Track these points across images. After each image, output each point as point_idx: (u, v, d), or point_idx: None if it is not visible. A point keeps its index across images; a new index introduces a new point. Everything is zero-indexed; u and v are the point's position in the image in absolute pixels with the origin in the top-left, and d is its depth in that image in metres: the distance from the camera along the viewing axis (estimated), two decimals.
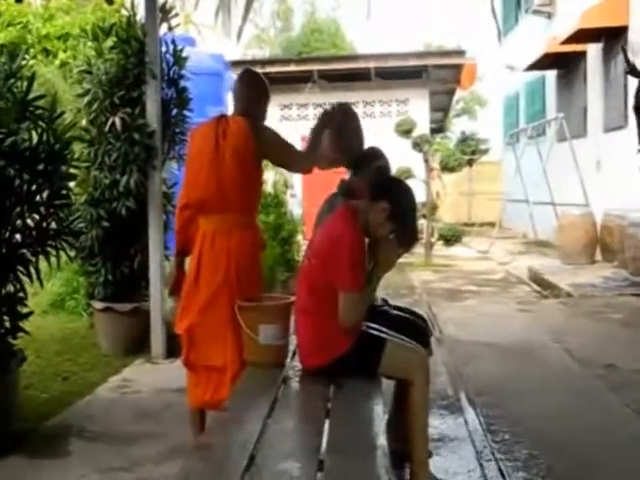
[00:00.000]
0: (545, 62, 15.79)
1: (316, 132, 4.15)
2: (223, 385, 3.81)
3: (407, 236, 3.59)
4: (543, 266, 11.69)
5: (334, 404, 3.14)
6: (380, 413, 3.08)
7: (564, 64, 15.64)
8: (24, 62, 5.10)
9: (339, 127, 4.16)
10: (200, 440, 3.47)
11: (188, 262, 4.11)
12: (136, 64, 6.44)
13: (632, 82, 9.81)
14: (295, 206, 11.52)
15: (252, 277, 3.97)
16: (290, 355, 3.75)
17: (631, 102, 8.75)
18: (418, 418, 3.49)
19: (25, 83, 4.65)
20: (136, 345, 6.41)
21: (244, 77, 4.27)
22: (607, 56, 13.32)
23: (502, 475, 3.89)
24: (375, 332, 3.54)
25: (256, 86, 4.23)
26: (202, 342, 3.92)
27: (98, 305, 6.56)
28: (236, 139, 3.88)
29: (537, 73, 17.63)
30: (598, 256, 12.01)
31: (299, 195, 15.37)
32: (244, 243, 3.94)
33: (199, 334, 3.93)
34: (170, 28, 7.10)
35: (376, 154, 4.50)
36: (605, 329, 7.47)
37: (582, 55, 14.59)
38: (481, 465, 4.03)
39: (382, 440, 2.72)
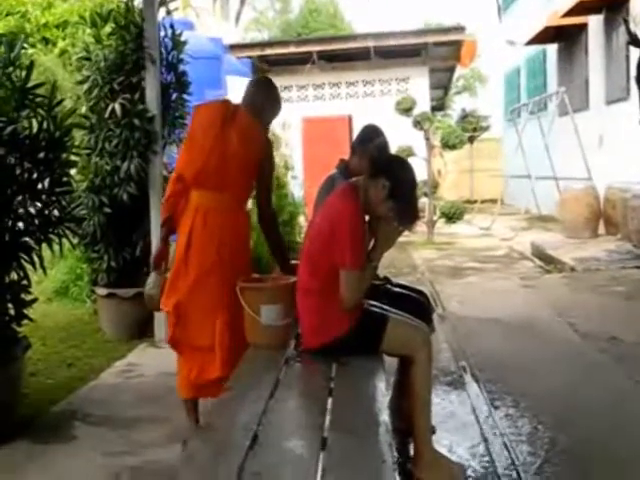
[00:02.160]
0: (545, 36, 15.70)
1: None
2: (210, 365, 3.81)
3: (407, 214, 3.58)
4: (546, 241, 11.68)
5: (337, 383, 3.16)
6: (383, 390, 3.10)
7: (565, 37, 15.55)
8: (23, 51, 5.10)
9: None
10: (199, 427, 3.51)
11: (176, 238, 4.05)
12: (135, 49, 6.44)
13: (634, 53, 9.76)
14: (296, 188, 11.50)
15: (244, 259, 3.98)
16: (293, 335, 3.77)
17: (633, 73, 8.71)
18: (421, 395, 3.51)
19: (24, 72, 4.65)
20: (139, 330, 6.44)
21: (265, 85, 4.25)
22: (608, 28, 13.22)
23: (506, 449, 3.92)
24: (377, 310, 3.56)
25: (273, 98, 4.19)
26: (190, 321, 3.89)
27: (101, 291, 6.59)
28: (246, 124, 3.92)
29: (538, 47, 17.55)
30: (601, 230, 12.00)
31: (300, 177, 15.35)
32: (238, 224, 3.95)
33: (188, 313, 3.88)
34: (168, 12, 7.08)
35: (374, 132, 4.52)
36: (609, 302, 7.47)
37: (583, 27, 14.49)
38: (485, 440, 4.06)
39: (385, 417, 2.75)
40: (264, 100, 4.11)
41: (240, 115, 3.94)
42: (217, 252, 3.83)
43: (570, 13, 13.66)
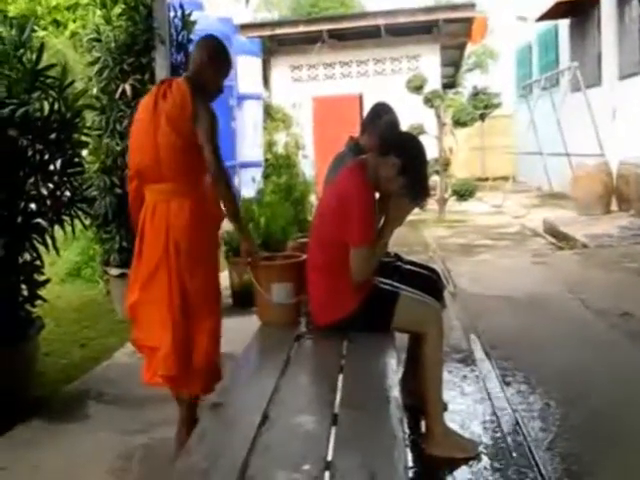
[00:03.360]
0: (557, 11, 15.54)
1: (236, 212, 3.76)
2: (164, 361, 3.57)
3: (418, 191, 3.58)
4: (558, 218, 11.63)
5: (348, 359, 3.18)
6: (394, 367, 3.12)
7: (577, 12, 15.38)
8: (33, 33, 5.11)
9: None
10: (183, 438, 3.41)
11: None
12: (145, 30, 6.43)
13: None
14: (307, 167, 11.52)
15: (195, 251, 3.59)
16: (303, 312, 3.79)
17: None
18: (432, 371, 3.53)
19: (35, 54, 4.66)
20: None
21: (204, 44, 3.81)
22: (621, 1, 13.07)
23: (518, 425, 3.92)
24: (387, 287, 3.58)
25: (214, 56, 3.74)
26: (143, 320, 3.68)
27: (114, 272, 6.61)
28: (173, 102, 3.56)
29: (549, 23, 17.38)
30: (614, 206, 11.93)
31: (311, 156, 15.34)
32: (184, 213, 3.56)
33: (140, 312, 3.67)
34: None
35: (384, 110, 4.51)
36: (621, 279, 7.46)
37: (595, 2, 14.30)
38: (496, 416, 4.07)
39: (396, 393, 2.76)
40: (203, 61, 3.71)
41: (173, 90, 3.59)
42: (164, 247, 3.55)
43: None
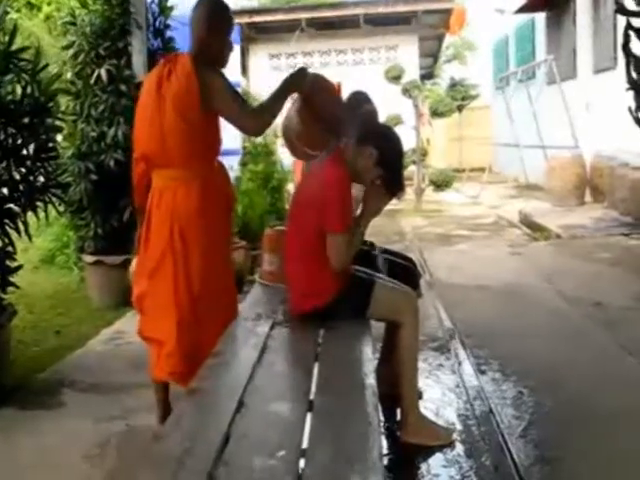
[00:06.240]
0: (534, 4, 15.60)
1: (281, 91, 3.61)
2: (166, 359, 3.52)
3: (394, 183, 3.58)
4: (533, 209, 11.71)
5: (323, 347, 3.17)
6: (369, 354, 3.11)
7: (554, 5, 15.45)
8: (7, 15, 5.04)
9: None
10: (160, 428, 3.38)
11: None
12: (121, 14, 6.39)
13: (621, 21, 9.72)
14: (285, 155, 11.48)
15: (202, 240, 3.50)
16: (280, 301, 3.77)
17: (620, 42, 8.69)
18: (408, 360, 3.54)
19: (7, 36, 4.60)
20: (127, 297, 6.29)
21: (199, 14, 3.55)
22: None
23: (492, 413, 3.94)
24: (364, 275, 3.57)
25: (212, 25, 3.52)
26: (149, 312, 3.61)
27: (88, 259, 6.56)
28: (179, 86, 3.39)
29: (527, 16, 17.43)
30: (588, 197, 12.06)
31: None
32: (191, 200, 3.46)
33: (147, 303, 3.60)
34: None
35: (363, 98, 4.50)
36: (594, 269, 7.51)
37: None
38: (471, 404, 4.09)
39: (371, 380, 2.75)
40: (202, 36, 3.52)
41: (178, 71, 3.41)
42: (170, 235, 3.46)
43: None
